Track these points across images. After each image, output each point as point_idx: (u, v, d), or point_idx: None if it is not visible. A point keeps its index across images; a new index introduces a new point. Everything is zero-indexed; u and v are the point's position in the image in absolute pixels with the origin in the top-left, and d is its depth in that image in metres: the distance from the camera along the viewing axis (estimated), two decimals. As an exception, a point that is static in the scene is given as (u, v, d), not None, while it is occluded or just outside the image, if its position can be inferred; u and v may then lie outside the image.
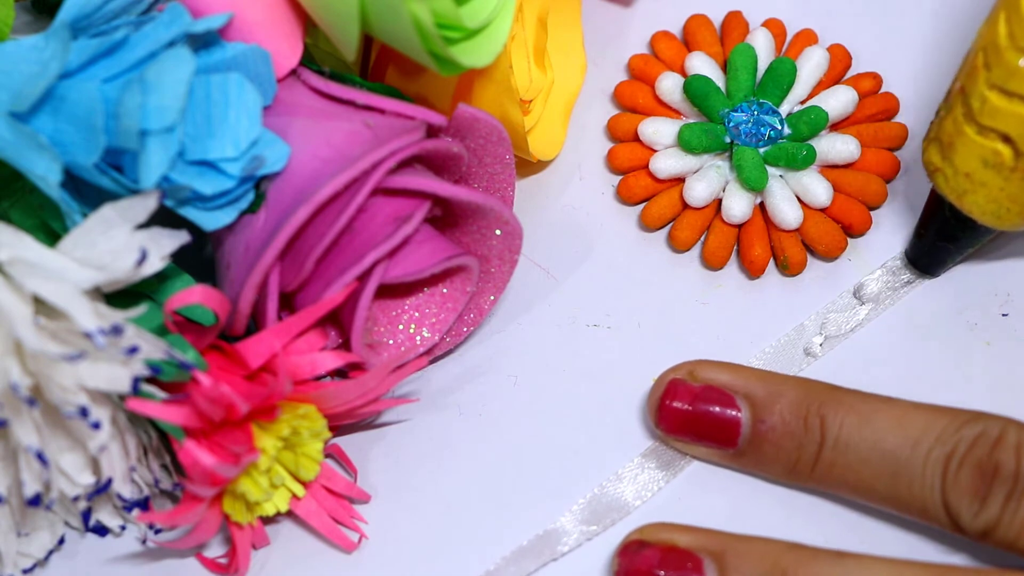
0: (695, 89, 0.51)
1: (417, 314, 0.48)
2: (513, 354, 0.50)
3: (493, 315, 0.51)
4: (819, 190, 0.50)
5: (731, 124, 0.50)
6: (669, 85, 0.52)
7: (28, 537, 0.46)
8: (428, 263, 0.46)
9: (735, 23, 0.53)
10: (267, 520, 0.47)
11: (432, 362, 0.50)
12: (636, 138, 0.52)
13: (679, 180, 0.51)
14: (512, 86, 0.48)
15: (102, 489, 0.44)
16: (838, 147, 0.50)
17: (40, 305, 0.41)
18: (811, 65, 0.52)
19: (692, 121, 0.51)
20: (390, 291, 0.48)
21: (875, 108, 0.52)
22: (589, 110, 0.54)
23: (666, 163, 0.51)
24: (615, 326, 0.50)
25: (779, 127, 0.50)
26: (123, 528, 0.47)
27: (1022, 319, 0.50)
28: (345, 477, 0.48)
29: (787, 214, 0.49)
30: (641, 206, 0.52)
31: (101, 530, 0.47)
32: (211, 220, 0.44)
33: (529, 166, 0.53)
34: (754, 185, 0.49)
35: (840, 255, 0.50)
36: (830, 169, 0.51)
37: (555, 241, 0.52)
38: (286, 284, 0.45)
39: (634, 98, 0.53)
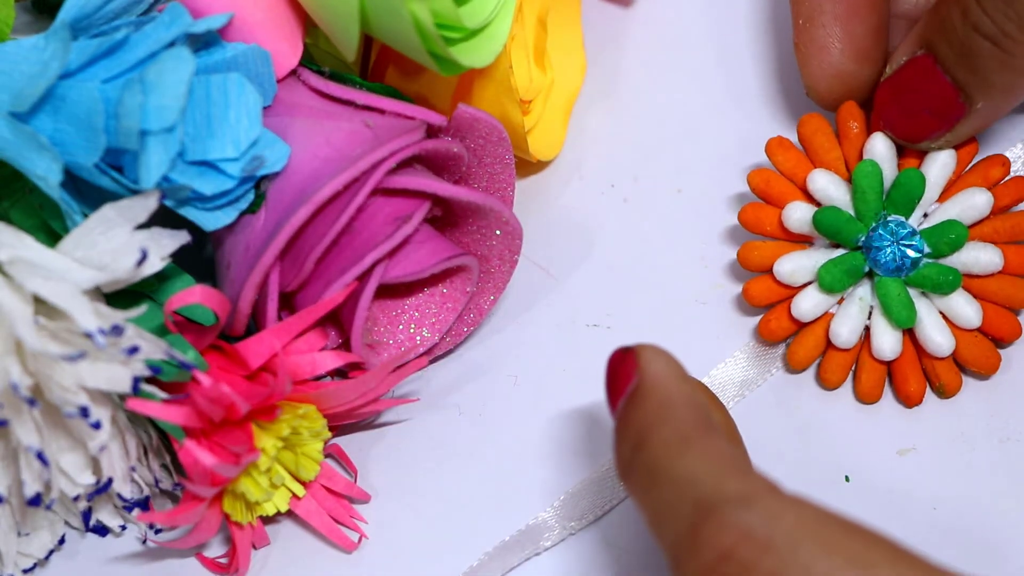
0: (826, 223, 0.48)
1: (417, 314, 0.48)
2: (513, 354, 0.50)
3: (493, 315, 0.51)
4: (969, 313, 0.47)
5: (871, 255, 0.48)
6: (799, 217, 0.49)
7: (28, 537, 0.46)
8: (428, 263, 0.46)
9: (851, 116, 0.50)
10: (267, 520, 0.47)
11: (432, 362, 0.50)
12: (769, 270, 0.49)
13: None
14: (512, 86, 0.48)
15: (102, 489, 0.44)
16: (982, 261, 0.48)
17: (40, 305, 0.41)
18: (937, 167, 0.48)
19: (829, 259, 0.48)
20: (390, 291, 0.48)
21: (1008, 199, 0.48)
22: (589, 110, 0.54)
23: (809, 305, 0.48)
24: (615, 326, 0.50)
25: (921, 249, 0.47)
26: (123, 528, 0.47)
27: (1021, 318, 0.50)
28: (345, 477, 0.48)
29: (940, 344, 0.47)
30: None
31: (101, 530, 0.47)
32: (211, 220, 0.44)
33: (529, 166, 0.53)
34: (904, 324, 0.47)
35: (996, 371, 0.48)
36: (971, 280, 0.48)
37: (555, 241, 0.52)
38: (286, 284, 0.45)
39: (761, 225, 0.49)
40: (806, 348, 0.48)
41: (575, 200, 0.53)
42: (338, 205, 0.44)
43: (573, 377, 0.49)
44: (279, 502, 0.46)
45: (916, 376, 0.48)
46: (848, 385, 0.49)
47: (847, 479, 0.47)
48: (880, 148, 0.49)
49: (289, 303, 0.47)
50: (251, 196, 0.45)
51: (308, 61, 0.47)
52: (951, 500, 0.47)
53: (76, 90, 0.41)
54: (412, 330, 0.48)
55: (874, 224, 0.48)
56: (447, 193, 0.45)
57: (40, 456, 0.41)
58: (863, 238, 0.48)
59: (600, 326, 0.50)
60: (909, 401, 0.48)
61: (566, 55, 0.54)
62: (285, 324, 0.44)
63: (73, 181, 0.42)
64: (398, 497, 0.48)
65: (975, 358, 0.48)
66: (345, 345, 0.47)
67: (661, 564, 0.46)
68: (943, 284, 0.47)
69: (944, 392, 0.48)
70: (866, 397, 0.48)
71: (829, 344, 0.48)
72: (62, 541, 0.47)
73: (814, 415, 0.48)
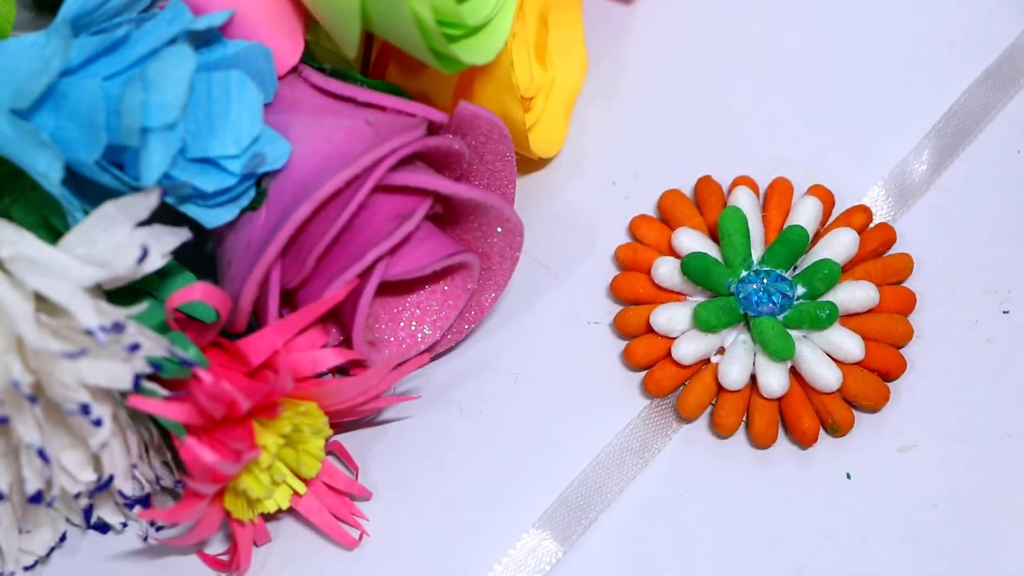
0: (694, 268, 0.48)
1: (418, 311, 0.48)
2: (514, 351, 0.50)
3: (494, 312, 0.51)
4: (851, 345, 0.47)
5: (741, 296, 0.48)
6: (666, 270, 0.49)
7: (30, 534, 0.46)
8: (429, 260, 0.46)
9: (708, 189, 0.51)
10: (268, 517, 0.47)
11: (433, 359, 0.50)
12: (649, 330, 0.49)
13: (704, 361, 0.49)
14: (513, 83, 0.48)
15: (103, 486, 0.44)
16: (857, 296, 0.48)
17: (41, 302, 0.41)
18: (806, 217, 0.50)
19: (702, 300, 0.49)
20: (391, 288, 0.48)
21: (874, 243, 0.50)
22: (590, 108, 0.54)
23: (689, 348, 0.48)
24: (616, 324, 0.50)
25: (790, 292, 0.48)
26: (125, 525, 0.47)
27: (1023, 315, 0.50)
28: (346, 474, 0.48)
29: (826, 378, 0.47)
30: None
31: (103, 527, 0.47)
32: (212, 217, 0.44)
33: (530, 163, 0.53)
34: (783, 355, 0.47)
35: (886, 404, 0.48)
36: (851, 318, 0.49)
37: (556, 238, 0.52)
38: (287, 281, 0.45)
39: (634, 291, 0.50)
40: (696, 395, 0.48)
41: (576, 197, 0.53)
42: (339, 202, 0.44)
43: (574, 374, 0.49)
44: (280, 499, 0.46)
45: (808, 413, 0.47)
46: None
47: (848, 476, 0.47)
48: (743, 198, 0.50)
49: (290, 300, 0.47)
50: (252, 193, 0.45)
51: (309, 58, 0.47)
52: (952, 498, 0.47)
53: (77, 87, 0.41)
54: (413, 327, 0.48)
55: (744, 272, 0.48)
56: (448, 190, 0.45)
57: (41, 453, 0.41)
58: (734, 284, 0.48)
59: (601, 323, 0.50)
60: (804, 439, 0.47)
61: (567, 52, 0.54)
62: (286, 321, 0.44)
63: (74, 178, 0.42)
64: (399, 494, 0.48)
65: (863, 392, 0.47)
66: (346, 342, 0.47)
67: (666, 556, 0.46)
68: (820, 319, 0.47)
69: (838, 430, 0.47)
70: (761, 440, 0.48)
71: (720, 390, 0.48)
72: (63, 538, 0.47)
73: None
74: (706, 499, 0.47)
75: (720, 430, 0.48)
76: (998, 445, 0.48)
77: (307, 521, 0.47)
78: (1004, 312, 0.50)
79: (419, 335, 0.48)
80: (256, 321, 0.46)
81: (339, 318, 0.47)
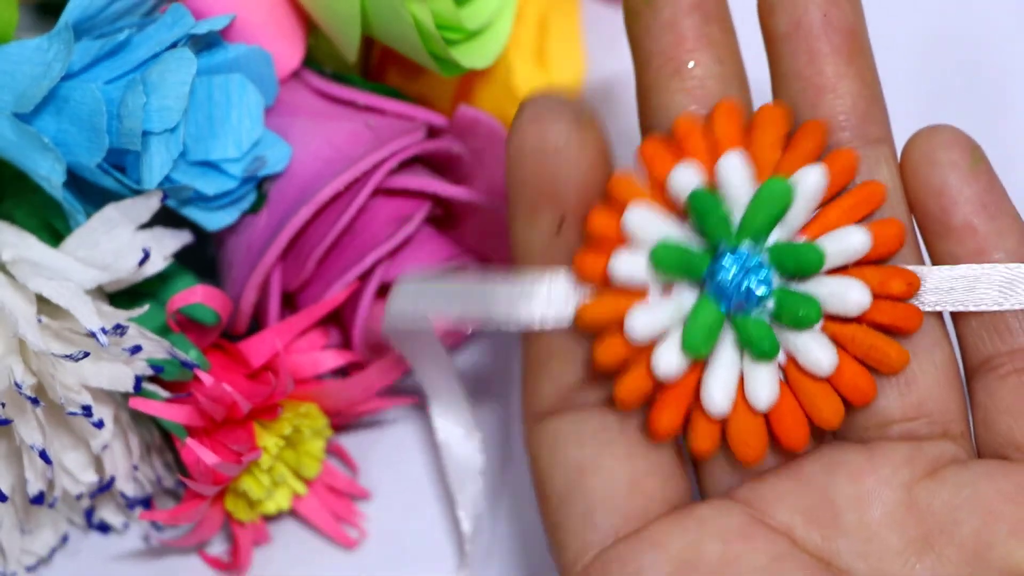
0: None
1: (418, 313, 0.48)
2: (514, 353, 0.50)
3: (493, 314, 0.51)
4: (821, 357, 0.35)
5: (717, 279, 0.35)
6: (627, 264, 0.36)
7: (31, 535, 0.46)
8: (429, 263, 0.46)
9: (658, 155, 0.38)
10: (269, 518, 0.47)
11: (433, 361, 0.50)
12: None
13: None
14: (512, 87, 0.48)
15: (105, 487, 0.44)
16: (849, 298, 0.35)
17: (43, 304, 0.41)
18: (807, 186, 0.36)
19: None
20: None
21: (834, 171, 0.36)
22: (589, 111, 0.54)
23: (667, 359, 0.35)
24: (615, 325, 0.50)
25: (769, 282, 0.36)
26: (126, 526, 0.47)
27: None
28: (347, 475, 0.48)
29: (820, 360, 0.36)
30: None
31: (104, 528, 0.47)
32: (213, 220, 0.44)
33: (529, 166, 0.53)
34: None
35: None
36: (828, 322, 0.36)
37: (555, 241, 0.52)
38: (288, 284, 0.45)
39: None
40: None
41: (575, 200, 0.53)
42: (339, 205, 0.44)
43: (573, 376, 0.49)
44: (281, 500, 0.46)
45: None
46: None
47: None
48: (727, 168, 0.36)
49: (291, 303, 0.47)
50: (253, 196, 0.45)
51: (309, 62, 0.48)
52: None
53: (79, 91, 0.41)
54: (413, 329, 0.48)
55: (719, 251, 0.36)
56: (448, 193, 0.46)
57: (43, 455, 0.42)
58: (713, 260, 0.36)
59: (600, 325, 0.50)
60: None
61: (565, 56, 0.54)
62: (287, 323, 0.45)
63: (76, 181, 0.43)
64: (399, 495, 0.48)
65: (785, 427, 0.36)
66: (346, 344, 0.47)
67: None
68: (800, 318, 0.35)
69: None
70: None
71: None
72: (65, 539, 0.47)
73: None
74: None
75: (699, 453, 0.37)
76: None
77: (307, 522, 0.47)
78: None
79: (419, 337, 0.48)
80: (257, 323, 0.46)
81: (340, 320, 0.47)
